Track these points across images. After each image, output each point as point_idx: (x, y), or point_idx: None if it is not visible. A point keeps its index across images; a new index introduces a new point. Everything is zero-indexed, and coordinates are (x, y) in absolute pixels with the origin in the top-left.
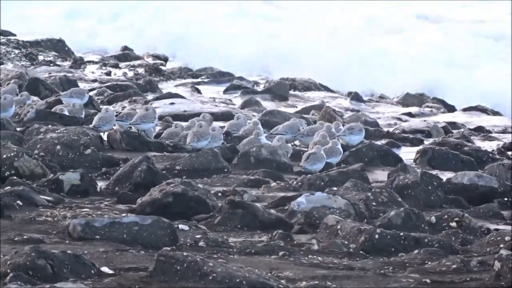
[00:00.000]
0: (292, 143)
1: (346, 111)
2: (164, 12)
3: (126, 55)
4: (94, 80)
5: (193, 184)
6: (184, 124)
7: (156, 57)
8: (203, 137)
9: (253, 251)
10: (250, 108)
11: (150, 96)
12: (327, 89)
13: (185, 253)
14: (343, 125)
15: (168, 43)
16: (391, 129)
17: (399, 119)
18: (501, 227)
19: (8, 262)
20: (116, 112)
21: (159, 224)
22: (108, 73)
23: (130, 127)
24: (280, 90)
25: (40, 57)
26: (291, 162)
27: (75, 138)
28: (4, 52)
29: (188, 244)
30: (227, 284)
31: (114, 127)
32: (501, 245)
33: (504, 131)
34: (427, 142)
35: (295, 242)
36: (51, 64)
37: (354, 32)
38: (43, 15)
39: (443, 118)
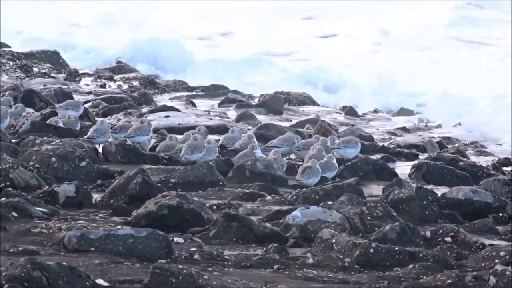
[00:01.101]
0: (287, 157)
1: (341, 125)
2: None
3: (120, 67)
4: (89, 93)
5: (188, 197)
6: (179, 137)
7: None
8: (197, 149)
9: (248, 264)
10: (245, 121)
11: (145, 109)
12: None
13: (180, 266)
14: (338, 139)
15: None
16: (386, 144)
17: (394, 133)
18: (496, 242)
19: (4, 274)
20: (111, 124)
21: (154, 236)
22: (103, 86)
23: (125, 140)
24: (274, 104)
25: (35, 69)
26: (286, 175)
27: (70, 150)
28: None
29: (183, 257)
30: None
31: (109, 140)
32: (496, 260)
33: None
34: (422, 157)
35: (290, 256)
36: (46, 76)
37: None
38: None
39: (437, 133)
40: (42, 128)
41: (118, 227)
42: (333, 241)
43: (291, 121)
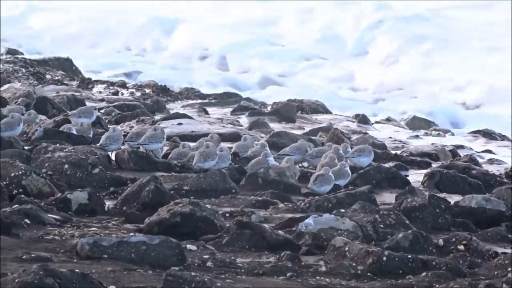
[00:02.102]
0: (300, 165)
1: (353, 134)
2: None
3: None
4: (102, 100)
5: (201, 205)
6: (192, 144)
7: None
8: (209, 157)
9: (260, 272)
10: (257, 129)
11: (157, 116)
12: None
13: (193, 273)
14: (351, 147)
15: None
16: (398, 152)
17: (407, 142)
18: (508, 250)
19: (16, 280)
20: (124, 132)
21: (167, 244)
22: (116, 93)
23: (138, 147)
24: (287, 111)
25: (48, 76)
26: (299, 183)
27: (83, 157)
28: (12, 71)
29: (196, 264)
30: None
31: (122, 147)
32: (509, 269)
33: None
34: (435, 165)
35: (302, 263)
36: (59, 83)
37: None
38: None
39: (450, 141)
40: (55, 135)
41: (131, 234)
42: (346, 249)
43: (303, 129)
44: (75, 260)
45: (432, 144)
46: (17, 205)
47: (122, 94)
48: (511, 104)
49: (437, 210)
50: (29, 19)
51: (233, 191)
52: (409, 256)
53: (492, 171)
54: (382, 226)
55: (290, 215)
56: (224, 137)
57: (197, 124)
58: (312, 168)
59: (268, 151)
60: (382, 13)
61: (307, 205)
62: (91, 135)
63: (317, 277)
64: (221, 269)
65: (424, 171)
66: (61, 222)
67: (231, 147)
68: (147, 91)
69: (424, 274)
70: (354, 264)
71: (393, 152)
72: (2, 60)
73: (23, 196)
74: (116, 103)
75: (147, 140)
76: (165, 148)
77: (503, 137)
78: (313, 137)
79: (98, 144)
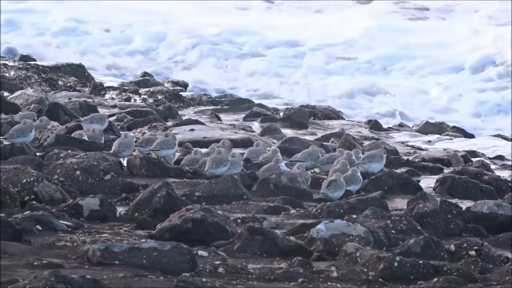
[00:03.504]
0: (312, 171)
1: (365, 139)
2: None
3: (145, 81)
4: (114, 106)
5: (213, 211)
6: (203, 150)
7: (176, 83)
8: (221, 163)
9: (272, 278)
10: (269, 135)
11: (170, 123)
12: (346, 116)
13: (204, 279)
14: (363, 153)
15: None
16: (410, 158)
17: (419, 147)
18: None
19: (27, 287)
20: (136, 138)
21: (178, 250)
22: (128, 99)
23: (150, 153)
24: (300, 117)
25: (60, 82)
26: (311, 189)
27: (95, 163)
28: (24, 77)
29: (207, 270)
30: None
31: (134, 153)
32: None
33: None
34: (447, 170)
35: (314, 269)
36: (71, 90)
37: None
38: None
39: (462, 146)
40: (67, 142)
41: (142, 240)
42: (357, 254)
43: (316, 134)
44: (86, 266)
45: (444, 149)
46: (28, 212)
47: (135, 100)
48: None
49: (449, 216)
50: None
51: (245, 197)
52: (421, 262)
53: (504, 177)
54: (393, 231)
55: (301, 221)
56: (236, 143)
57: (209, 130)
58: (323, 174)
59: (279, 157)
60: None
61: (319, 211)
62: (102, 141)
63: (329, 283)
64: (233, 275)
65: (436, 176)
66: (73, 228)
67: (243, 153)
68: (160, 97)
69: (435, 279)
70: (365, 269)
71: (405, 158)
72: (14, 66)
73: (34, 202)
74: (128, 109)
75: (159, 146)
76: (177, 154)
77: None
78: (325, 143)
79: (110, 151)
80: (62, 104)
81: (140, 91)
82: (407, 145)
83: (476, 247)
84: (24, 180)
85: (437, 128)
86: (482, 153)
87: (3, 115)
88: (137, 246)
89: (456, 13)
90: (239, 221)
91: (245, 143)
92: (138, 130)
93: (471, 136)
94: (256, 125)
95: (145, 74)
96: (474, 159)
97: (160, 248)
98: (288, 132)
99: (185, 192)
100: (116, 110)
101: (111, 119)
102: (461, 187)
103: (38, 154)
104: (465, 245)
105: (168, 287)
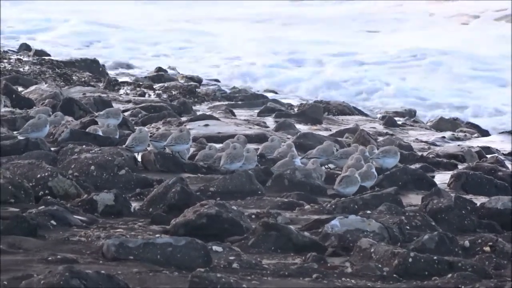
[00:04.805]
0: (326, 166)
1: (379, 136)
2: None
3: (160, 76)
4: (128, 101)
5: (227, 206)
6: (218, 146)
7: (190, 78)
8: (236, 159)
9: (286, 273)
10: (284, 130)
11: (184, 118)
12: (361, 112)
13: (218, 275)
14: (377, 149)
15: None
16: (424, 154)
17: (433, 143)
18: None
19: (42, 282)
20: (150, 133)
21: (193, 245)
22: (142, 94)
23: (164, 148)
24: (314, 113)
25: (74, 77)
26: (325, 185)
27: (109, 158)
28: (39, 72)
29: (222, 266)
30: None
31: (148, 148)
32: None
33: None
34: (461, 166)
35: (328, 265)
36: (86, 85)
37: None
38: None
39: (477, 143)
40: (81, 137)
41: (157, 235)
42: (372, 250)
43: (330, 130)
44: (101, 262)
45: (458, 145)
46: (43, 207)
47: (149, 95)
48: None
49: (463, 212)
50: None
51: (259, 192)
52: (435, 258)
53: None
54: (408, 227)
55: (316, 217)
56: (250, 138)
57: (224, 126)
58: (338, 170)
59: (294, 152)
60: None
61: (333, 206)
62: (117, 137)
63: (343, 279)
64: (247, 270)
65: (450, 172)
66: (87, 223)
67: (258, 148)
68: (174, 92)
69: (450, 275)
70: (380, 265)
71: (419, 153)
72: (29, 61)
73: (49, 197)
74: (142, 105)
75: (174, 141)
76: (192, 150)
77: None
78: (339, 139)
79: (124, 146)
80: (76, 99)
81: (154, 86)
82: (422, 141)
83: (490, 243)
84: (39, 175)
85: (451, 124)
86: (497, 149)
87: (17, 110)
88: (151, 242)
89: None
90: (253, 216)
91: (259, 138)
92: (152, 125)
93: (486, 132)
94: (270, 121)
95: (159, 69)
96: (488, 156)
97: (174, 243)
98: (302, 128)
99: (200, 187)
100: (130, 105)
101: (126, 114)
102: (476, 183)
103: (52, 149)
104: (479, 241)
105: (182, 282)
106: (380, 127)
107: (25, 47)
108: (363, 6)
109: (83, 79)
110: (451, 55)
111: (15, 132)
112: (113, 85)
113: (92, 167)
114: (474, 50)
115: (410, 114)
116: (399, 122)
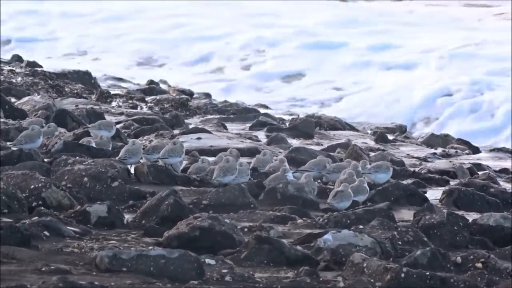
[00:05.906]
0: (318, 181)
1: (370, 151)
2: None
3: (152, 89)
4: (121, 113)
5: (220, 219)
6: (210, 159)
7: (182, 91)
8: (229, 172)
9: (279, 287)
10: (276, 144)
11: (176, 131)
12: (352, 128)
13: (211, 287)
14: (370, 164)
15: None
16: (416, 169)
17: (425, 159)
18: None
19: None
20: (143, 145)
21: (186, 257)
22: (134, 107)
23: (157, 161)
24: (306, 127)
25: (67, 89)
26: (318, 199)
27: (103, 170)
28: (31, 83)
29: (215, 279)
30: None
31: (141, 160)
32: None
33: None
34: (453, 182)
35: (321, 279)
36: (78, 96)
37: None
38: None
39: (468, 159)
40: (75, 148)
41: (150, 247)
42: (364, 265)
43: (321, 145)
44: (94, 273)
45: (450, 161)
46: (36, 217)
47: (141, 108)
48: None
49: (455, 228)
50: None
51: (252, 206)
52: (427, 273)
53: (510, 189)
54: (400, 242)
55: (308, 231)
56: (243, 152)
57: (216, 139)
58: (330, 184)
59: (287, 166)
60: None
61: (326, 220)
62: (110, 149)
63: None
64: (240, 283)
65: (442, 188)
66: (80, 234)
67: (250, 162)
68: (166, 105)
69: None
70: (372, 280)
71: (411, 169)
72: (21, 72)
73: (42, 208)
74: (135, 117)
75: (167, 154)
76: (184, 162)
77: None
78: (331, 153)
79: (117, 158)
80: (69, 111)
81: (146, 99)
82: (413, 157)
83: (482, 260)
84: (32, 186)
85: (442, 140)
86: (488, 166)
87: (10, 121)
88: (145, 253)
89: None
90: (246, 230)
91: (251, 152)
92: (145, 138)
93: (476, 149)
94: (262, 135)
95: (151, 82)
96: (480, 172)
97: (168, 255)
98: (294, 142)
99: (193, 200)
100: (123, 118)
101: (118, 126)
102: (468, 199)
103: (46, 160)
104: (471, 257)
105: None
106: (371, 143)
107: (16, 58)
108: None
109: (75, 91)
110: None
111: (8, 143)
112: (106, 97)
113: (85, 179)
114: None
115: (400, 129)
116: (390, 138)
